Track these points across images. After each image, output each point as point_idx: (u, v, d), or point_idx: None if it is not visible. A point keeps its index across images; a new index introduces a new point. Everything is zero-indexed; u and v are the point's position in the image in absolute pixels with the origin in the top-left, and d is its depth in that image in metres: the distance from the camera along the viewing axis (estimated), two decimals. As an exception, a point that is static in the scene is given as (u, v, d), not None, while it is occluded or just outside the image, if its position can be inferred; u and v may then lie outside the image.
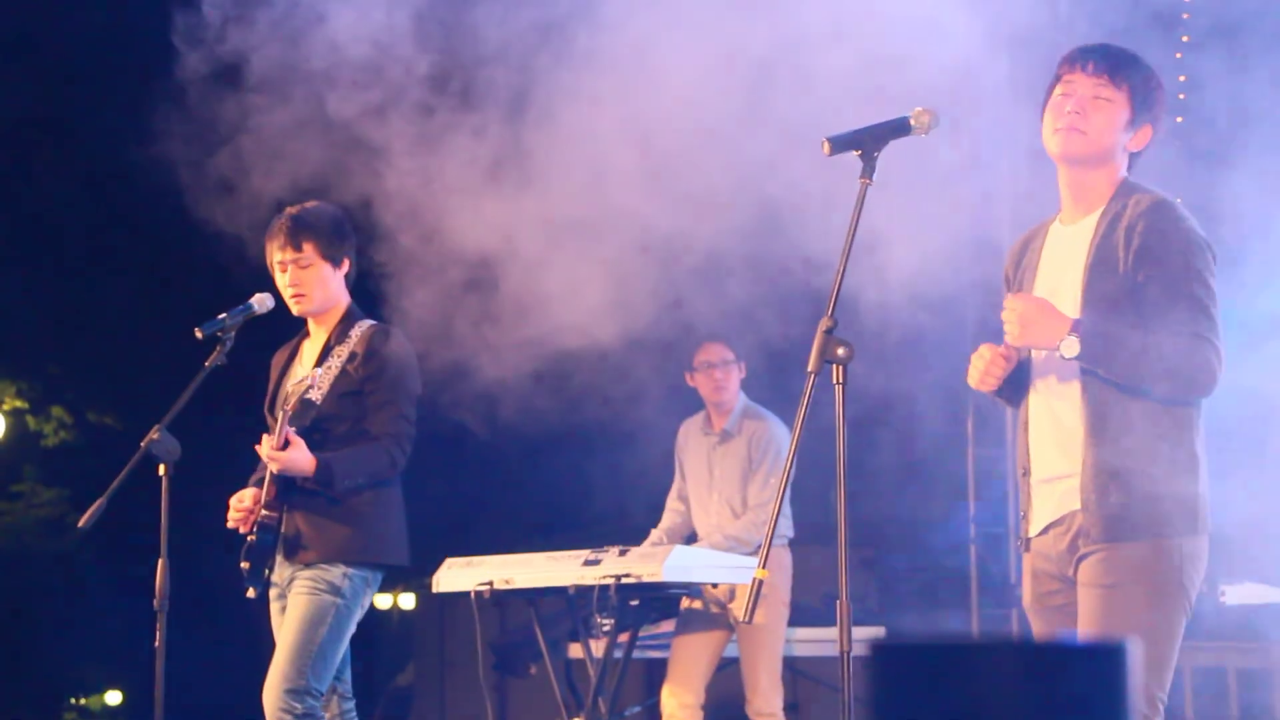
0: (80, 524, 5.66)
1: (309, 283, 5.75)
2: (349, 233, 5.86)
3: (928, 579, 10.67)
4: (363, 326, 5.79)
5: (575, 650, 7.68)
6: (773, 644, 7.16)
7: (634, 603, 6.83)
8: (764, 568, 4.13)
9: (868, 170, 4.27)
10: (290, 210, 5.80)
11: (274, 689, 5.44)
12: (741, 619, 4.20)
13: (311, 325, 5.89)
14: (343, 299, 5.85)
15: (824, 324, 4.16)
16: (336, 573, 5.54)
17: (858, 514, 12.07)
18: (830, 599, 11.17)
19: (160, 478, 5.64)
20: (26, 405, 19.17)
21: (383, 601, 24.71)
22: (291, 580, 5.59)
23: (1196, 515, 4.27)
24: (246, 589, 5.64)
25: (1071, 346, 4.19)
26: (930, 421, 10.02)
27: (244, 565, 5.61)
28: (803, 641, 9.07)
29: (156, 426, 5.64)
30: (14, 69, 13.51)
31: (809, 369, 4.16)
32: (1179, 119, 8.95)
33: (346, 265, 5.82)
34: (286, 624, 5.53)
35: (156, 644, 5.58)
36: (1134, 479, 4.21)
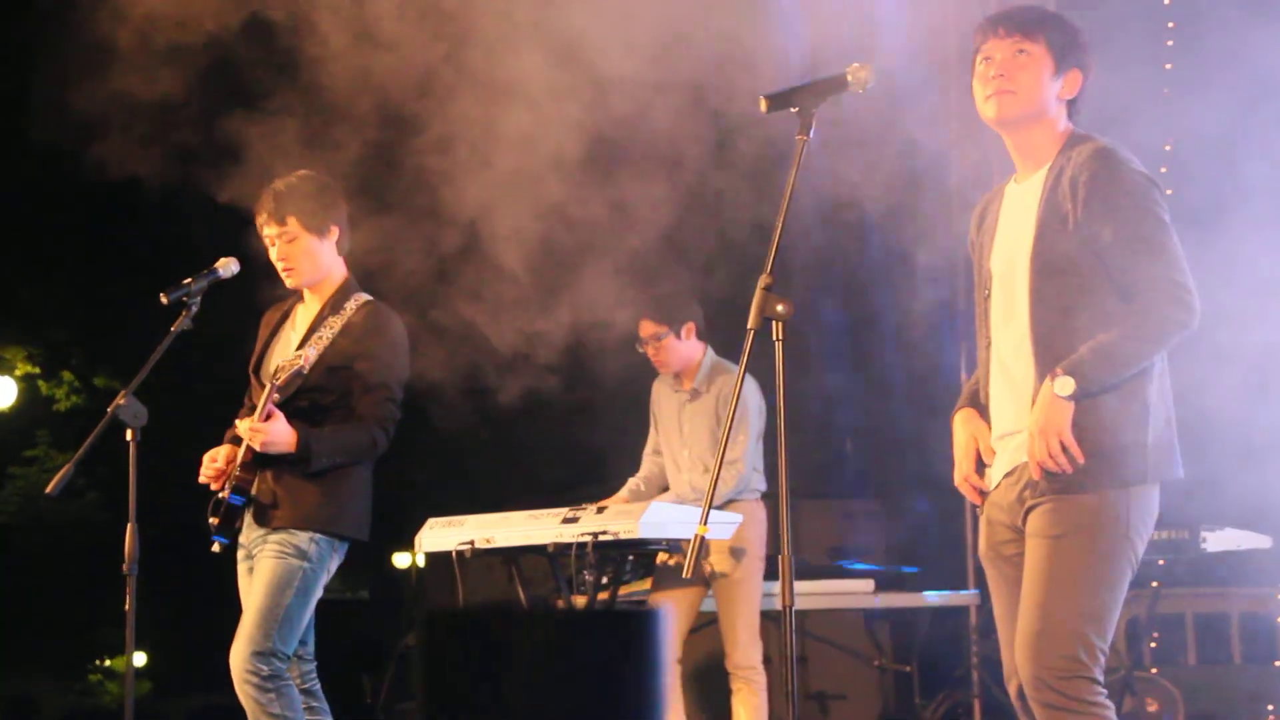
0: (48, 490, 5.69)
1: (295, 256, 5.77)
2: (335, 201, 5.85)
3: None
4: (359, 300, 5.81)
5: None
6: (749, 598, 7.18)
7: (631, 558, 6.88)
8: (706, 524, 4.18)
9: (804, 127, 4.29)
10: (274, 184, 5.81)
11: (241, 652, 5.48)
12: (685, 575, 4.22)
13: (307, 292, 5.91)
14: (336, 269, 5.86)
15: (763, 281, 4.19)
16: (304, 537, 5.57)
17: (869, 464, 12.07)
18: (836, 551, 11.29)
19: (127, 443, 5.67)
20: (38, 370, 19.30)
21: (402, 561, 24.83)
22: (259, 543, 5.62)
23: (1148, 466, 4.28)
24: (211, 544, 5.67)
25: (1066, 385, 4.20)
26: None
27: (212, 520, 5.64)
28: (804, 595, 9.13)
29: (123, 392, 5.67)
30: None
31: (749, 325, 4.19)
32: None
33: (335, 233, 5.82)
34: (254, 588, 5.57)
35: (126, 608, 5.61)
36: (1081, 432, 4.22)
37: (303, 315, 5.90)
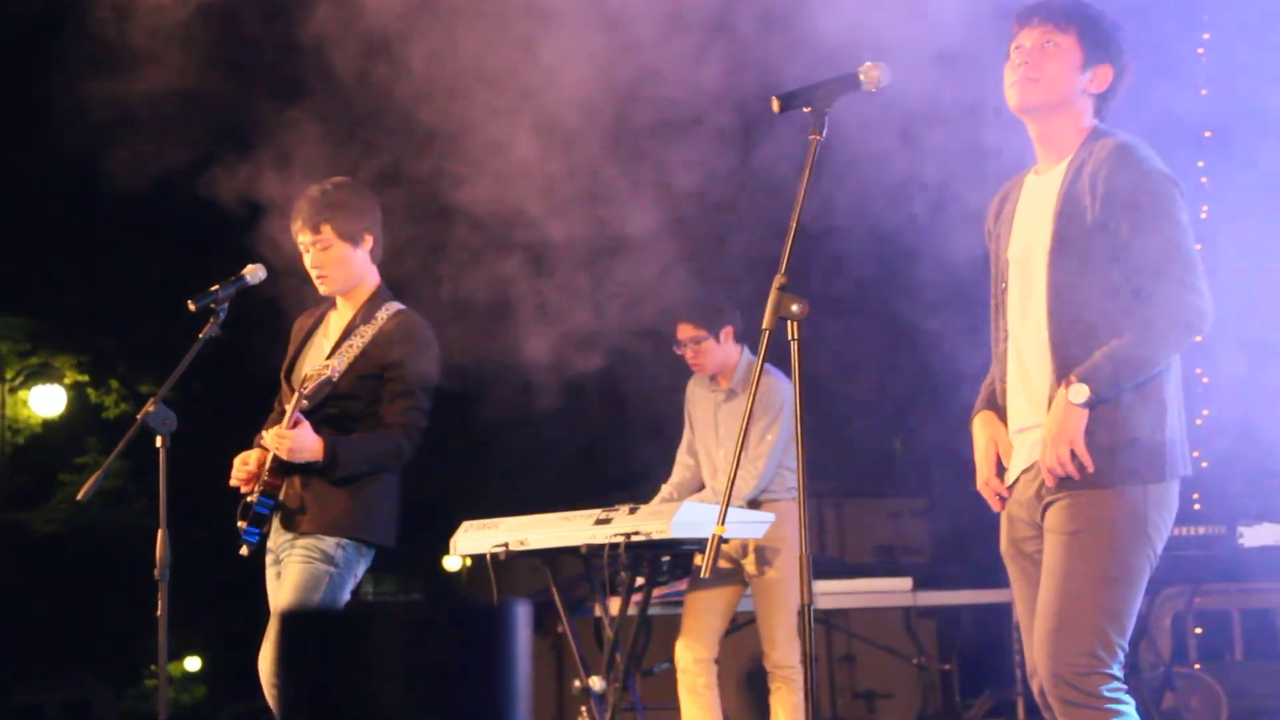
0: (79, 496, 5.75)
1: (329, 264, 5.80)
2: (369, 209, 5.88)
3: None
4: (390, 309, 5.83)
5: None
6: (786, 598, 7.18)
7: (665, 559, 6.88)
8: (723, 524, 4.17)
9: (817, 126, 4.28)
10: (310, 192, 5.85)
11: (271, 657, 5.51)
12: (704, 575, 4.23)
13: (339, 299, 5.94)
14: (370, 277, 5.89)
15: (778, 281, 4.18)
16: (331, 542, 5.60)
17: (917, 463, 11.99)
18: (883, 550, 11.27)
19: (157, 450, 5.71)
20: (86, 378, 19.42)
21: (453, 564, 24.92)
22: (287, 548, 5.65)
23: (1164, 462, 4.27)
24: (240, 546, 5.71)
25: (1081, 393, 4.20)
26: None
27: (240, 524, 5.68)
28: (842, 594, 9.12)
29: (152, 399, 5.72)
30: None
31: (764, 325, 4.18)
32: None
33: (369, 241, 5.85)
34: (282, 590, 5.60)
35: (159, 613, 5.66)
36: (1097, 428, 4.22)
37: (335, 322, 5.93)
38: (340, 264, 5.80)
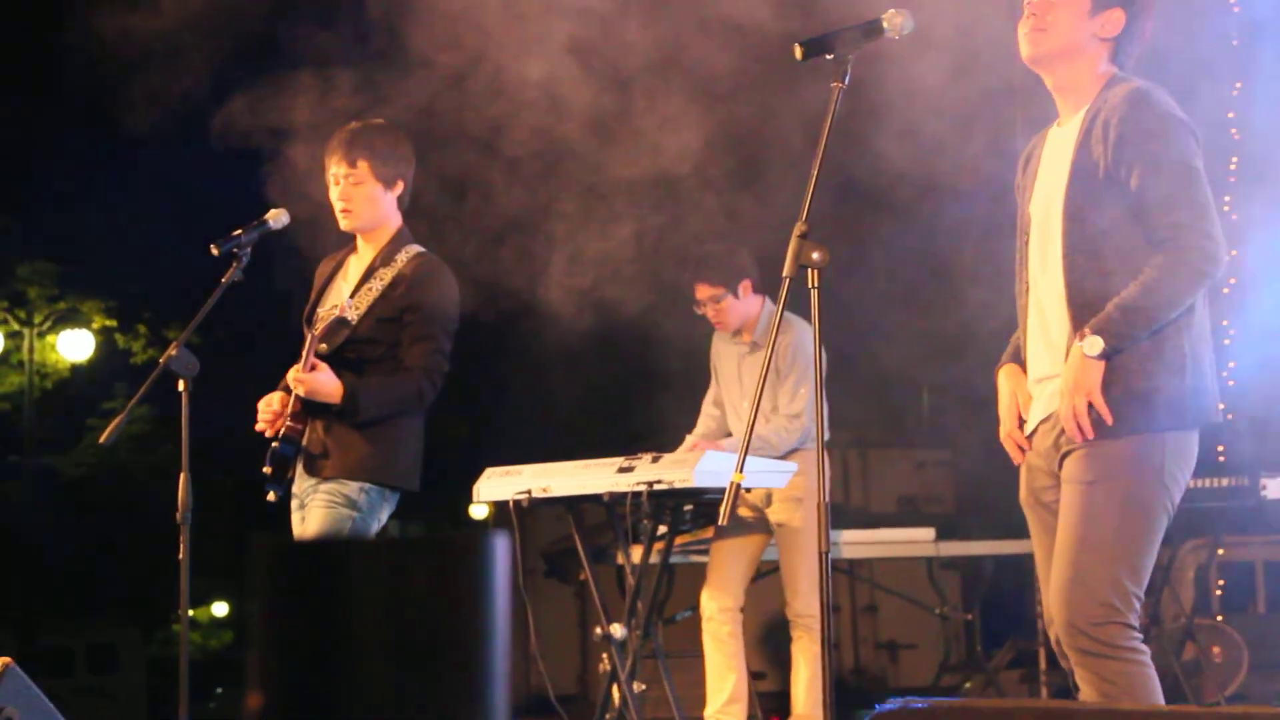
0: (101, 440, 5.77)
1: (358, 200, 5.76)
2: (407, 156, 5.85)
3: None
4: (410, 252, 5.80)
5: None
6: (810, 547, 7.15)
7: (688, 508, 6.89)
8: (742, 472, 4.17)
9: (840, 74, 4.26)
10: (352, 125, 5.82)
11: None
12: (721, 523, 4.23)
13: (360, 242, 5.91)
14: (393, 220, 5.85)
15: (798, 229, 4.16)
16: (354, 487, 5.60)
17: (941, 414, 11.98)
18: (906, 500, 11.28)
19: (180, 393, 5.73)
20: (114, 323, 19.48)
21: (479, 512, 25.01)
22: (310, 492, 5.67)
23: (1183, 411, 4.25)
24: (267, 492, 5.72)
25: (1095, 344, 4.19)
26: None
27: (266, 470, 5.68)
28: (865, 544, 9.13)
29: (175, 343, 5.73)
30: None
31: (784, 274, 4.17)
32: None
33: (400, 187, 5.82)
34: (305, 535, 5.62)
35: (180, 556, 5.68)
36: (1113, 377, 4.20)
37: (355, 266, 5.91)
38: (370, 203, 5.77)
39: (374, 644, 1.95)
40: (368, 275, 5.77)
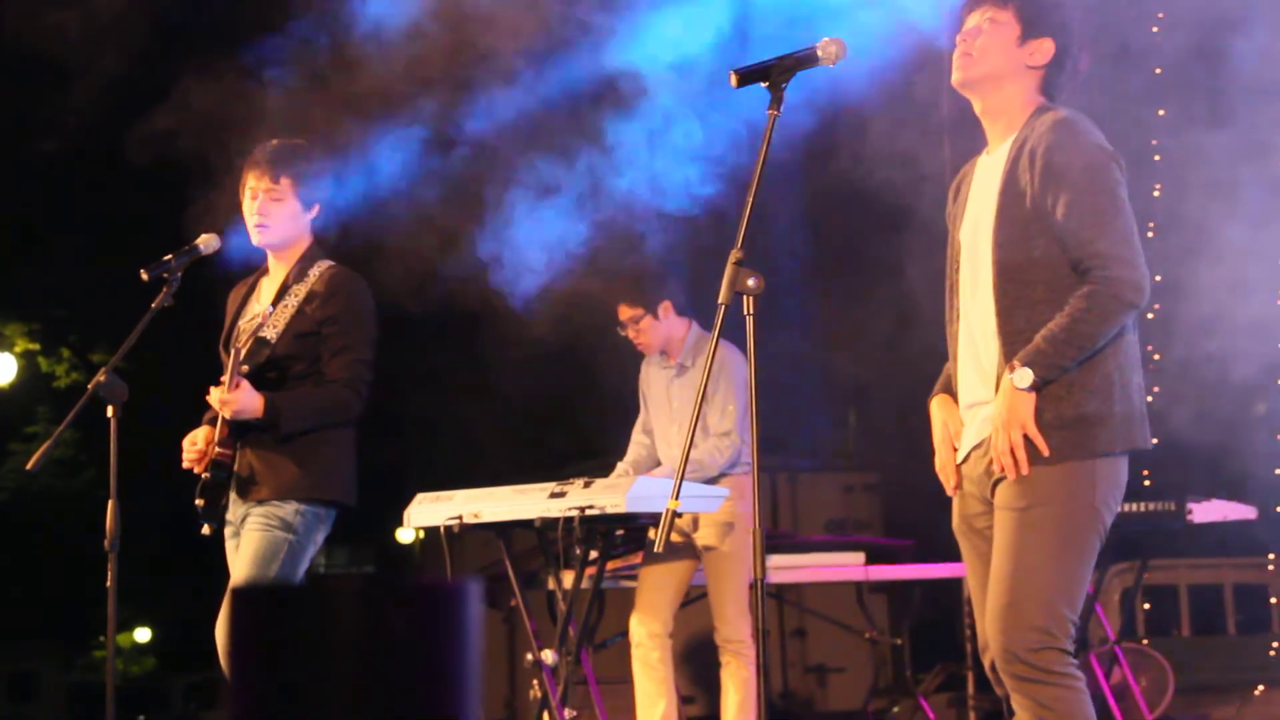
0: (29, 466, 5.71)
1: (277, 216, 5.74)
2: (326, 179, 5.86)
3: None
4: (321, 266, 5.78)
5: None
6: (738, 572, 7.19)
7: (619, 533, 6.88)
8: (678, 498, 4.18)
9: (775, 102, 4.28)
10: (274, 142, 5.80)
11: (227, 626, 5.48)
12: (656, 549, 4.23)
13: (271, 262, 5.89)
14: (305, 238, 5.84)
15: (734, 255, 4.18)
16: (289, 509, 5.57)
17: (869, 437, 12.02)
18: (834, 524, 11.29)
19: (108, 419, 5.68)
20: (38, 347, 19.31)
21: (406, 536, 24.89)
22: (245, 517, 5.62)
23: (1112, 436, 4.28)
24: (201, 526, 5.68)
25: (1025, 377, 4.22)
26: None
27: (198, 502, 5.64)
28: (795, 569, 9.14)
29: (103, 369, 5.69)
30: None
31: (719, 300, 4.18)
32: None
33: (316, 210, 5.82)
34: (240, 560, 5.57)
35: (109, 584, 5.63)
36: (1043, 405, 4.23)
37: (267, 287, 5.88)
38: (288, 220, 5.75)
39: (349, 690, 1.93)
40: (282, 293, 5.74)
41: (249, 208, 5.77)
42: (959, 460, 4.52)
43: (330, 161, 5.92)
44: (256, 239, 5.79)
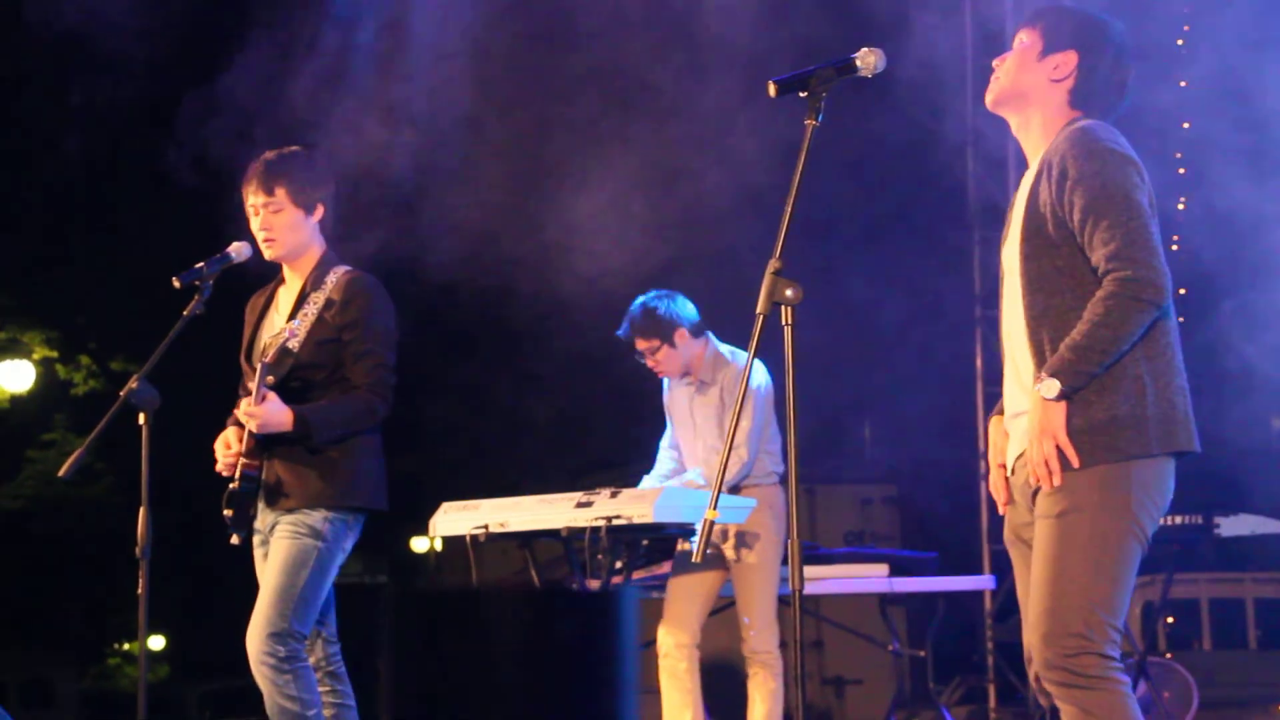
0: (61, 473, 5.72)
1: (279, 228, 5.74)
2: (324, 178, 5.86)
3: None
4: (338, 273, 5.79)
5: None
6: (765, 583, 7.18)
7: (645, 543, 6.86)
8: (716, 509, 4.19)
9: (813, 111, 4.29)
10: (266, 155, 5.81)
11: (257, 633, 5.49)
12: (695, 559, 4.23)
13: (286, 271, 5.90)
14: (316, 245, 5.84)
15: (772, 265, 4.18)
16: (317, 517, 5.57)
17: (887, 450, 12.04)
18: (853, 536, 11.29)
19: (140, 427, 5.68)
20: (56, 354, 19.32)
21: (420, 545, 24.89)
22: (274, 526, 5.63)
23: (1145, 438, 4.26)
24: (230, 535, 5.68)
25: (1051, 387, 4.22)
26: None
27: (227, 513, 5.64)
28: (818, 580, 9.12)
29: (135, 376, 5.69)
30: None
31: (757, 310, 4.18)
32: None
33: (320, 211, 5.82)
34: (269, 569, 5.57)
35: (140, 591, 5.64)
36: (1072, 411, 4.23)
37: (285, 296, 5.89)
38: (292, 230, 5.76)
39: (511, 696, 1.92)
40: (300, 302, 5.75)
41: (254, 224, 5.80)
42: (1009, 472, 4.53)
43: (322, 159, 5.93)
44: (268, 254, 5.81)
